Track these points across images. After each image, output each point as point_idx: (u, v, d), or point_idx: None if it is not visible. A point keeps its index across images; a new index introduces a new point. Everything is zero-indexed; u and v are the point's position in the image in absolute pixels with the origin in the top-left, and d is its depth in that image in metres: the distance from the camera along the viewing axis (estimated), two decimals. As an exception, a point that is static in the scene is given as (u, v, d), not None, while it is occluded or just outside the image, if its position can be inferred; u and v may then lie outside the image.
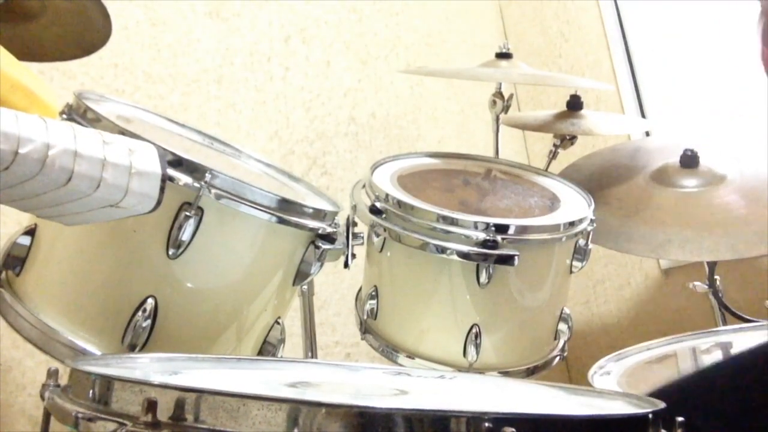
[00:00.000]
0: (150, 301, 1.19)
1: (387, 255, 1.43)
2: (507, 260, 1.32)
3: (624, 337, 2.28)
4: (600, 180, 1.78)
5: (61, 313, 1.20)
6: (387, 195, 1.40)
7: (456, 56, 2.51)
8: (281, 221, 1.26)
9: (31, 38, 1.45)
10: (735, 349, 1.46)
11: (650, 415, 0.81)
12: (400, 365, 1.40)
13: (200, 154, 1.42)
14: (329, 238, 1.32)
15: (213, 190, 1.18)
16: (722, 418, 1.01)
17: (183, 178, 1.17)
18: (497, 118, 1.90)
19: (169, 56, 2.01)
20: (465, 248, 1.33)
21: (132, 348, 1.18)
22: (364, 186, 1.48)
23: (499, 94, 1.88)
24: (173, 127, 1.50)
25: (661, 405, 0.85)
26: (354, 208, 1.46)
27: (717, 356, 1.46)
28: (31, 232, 1.24)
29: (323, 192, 1.51)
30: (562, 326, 1.48)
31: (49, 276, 1.23)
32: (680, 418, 0.82)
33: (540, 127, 1.95)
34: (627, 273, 2.30)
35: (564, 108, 1.89)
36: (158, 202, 0.95)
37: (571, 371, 2.33)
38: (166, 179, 0.95)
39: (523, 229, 1.37)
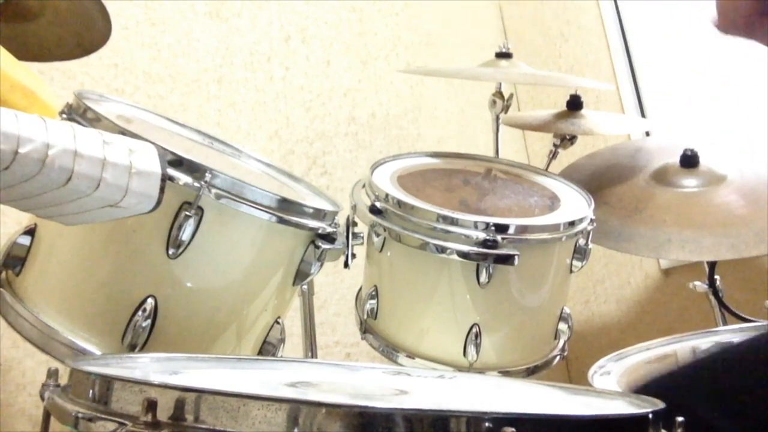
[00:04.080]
0: (150, 300, 1.19)
1: (387, 255, 1.43)
2: (507, 260, 1.32)
3: (624, 337, 2.28)
4: (600, 180, 1.78)
5: (61, 313, 1.20)
6: (387, 195, 1.40)
7: (456, 56, 2.50)
8: (281, 221, 1.26)
9: (31, 38, 1.45)
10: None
11: (650, 415, 0.81)
12: (400, 365, 1.40)
13: (200, 154, 1.42)
14: (329, 238, 1.32)
15: (213, 190, 1.18)
16: (723, 405, 1.00)
17: (183, 178, 1.17)
18: (497, 118, 1.90)
19: (169, 56, 2.01)
20: (465, 248, 1.33)
21: (132, 348, 1.18)
22: (364, 186, 1.48)
23: (499, 93, 1.88)
24: (173, 127, 1.50)
25: (661, 405, 0.85)
26: (354, 207, 1.46)
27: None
28: (31, 231, 1.24)
29: (323, 192, 1.51)
30: (562, 326, 1.48)
31: (49, 276, 1.23)
32: (680, 418, 0.82)
33: (540, 127, 1.95)
34: (627, 273, 2.30)
35: (564, 108, 1.89)
36: (158, 202, 0.95)
37: (571, 371, 2.33)
38: (166, 179, 0.95)
39: (523, 229, 1.37)
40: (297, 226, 1.28)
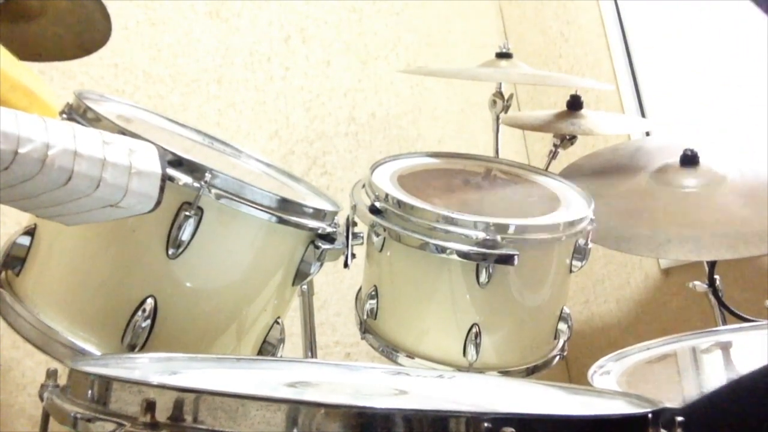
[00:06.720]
0: (149, 301, 1.19)
1: (387, 255, 1.43)
2: (507, 260, 1.32)
3: (624, 336, 2.28)
4: (600, 180, 1.78)
5: (60, 313, 1.20)
6: (387, 195, 1.40)
7: (456, 56, 2.51)
8: (281, 221, 1.26)
9: (31, 38, 1.45)
10: (735, 349, 1.46)
11: (650, 415, 0.81)
12: (400, 365, 1.40)
13: (200, 154, 1.42)
14: (329, 238, 1.32)
15: (213, 190, 1.18)
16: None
17: (183, 178, 1.17)
18: (497, 118, 1.90)
19: (169, 56, 2.01)
20: (465, 248, 1.33)
21: (131, 348, 1.18)
22: (364, 186, 1.48)
23: (499, 94, 1.88)
24: (173, 127, 1.50)
25: (661, 405, 0.85)
26: (354, 207, 1.46)
27: (717, 356, 1.46)
28: (30, 232, 1.24)
29: (323, 192, 1.51)
30: (562, 326, 1.48)
31: (48, 276, 1.23)
32: (680, 418, 0.82)
33: (540, 127, 1.95)
34: (627, 273, 2.30)
35: (564, 108, 1.89)
36: (158, 202, 0.95)
37: (571, 371, 2.33)
38: (166, 179, 0.95)
39: (523, 229, 1.37)
40: (297, 226, 1.28)
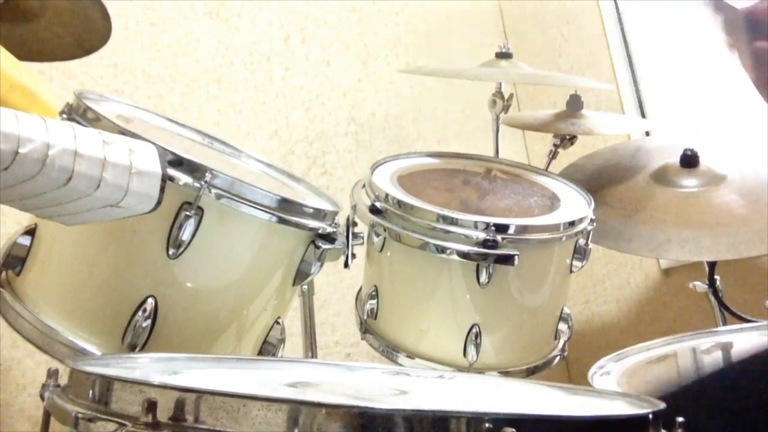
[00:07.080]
0: (150, 301, 1.19)
1: (387, 255, 1.43)
2: (507, 260, 1.32)
3: (624, 337, 2.28)
4: (600, 180, 1.78)
5: (61, 313, 1.20)
6: (387, 195, 1.40)
7: (456, 56, 2.50)
8: (281, 221, 1.26)
9: (31, 38, 1.45)
10: (735, 349, 1.46)
11: (650, 415, 0.81)
12: (400, 365, 1.40)
13: (200, 154, 1.42)
14: (329, 238, 1.32)
15: (213, 190, 1.19)
16: (725, 418, 1.00)
17: (183, 178, 1.17)
18: (497, 118, 1.90)
19: (168, 56, 2.01)
20: (465, 248, 1.33)
21: (132, 348, 1.18)
22: (364, 186, 1.48)
23: (499, 93, 1.88)
24: (173, 127, 1.50)
25: (661, 405, 0.85)
26: (354, 207, 1.46)
27: (717, 356, 1.46)
28: (31, 232, 1.24)
29: (323, 192, 1.51)
30: (562, 326, 1.48)
31: (49, 276, 1.23)
32: (680, 419, 0.82)
33: (540, 127, 1.95)
34: (627, 273, 2.30)
35: (564, 108, 1.89)
36: (158, 202, 0.95)
37: (571, 371, 2.33)
38: (166, 179, 0.95)
39: (523, 229, 1.37)
40: (297, 226, 1.28)
